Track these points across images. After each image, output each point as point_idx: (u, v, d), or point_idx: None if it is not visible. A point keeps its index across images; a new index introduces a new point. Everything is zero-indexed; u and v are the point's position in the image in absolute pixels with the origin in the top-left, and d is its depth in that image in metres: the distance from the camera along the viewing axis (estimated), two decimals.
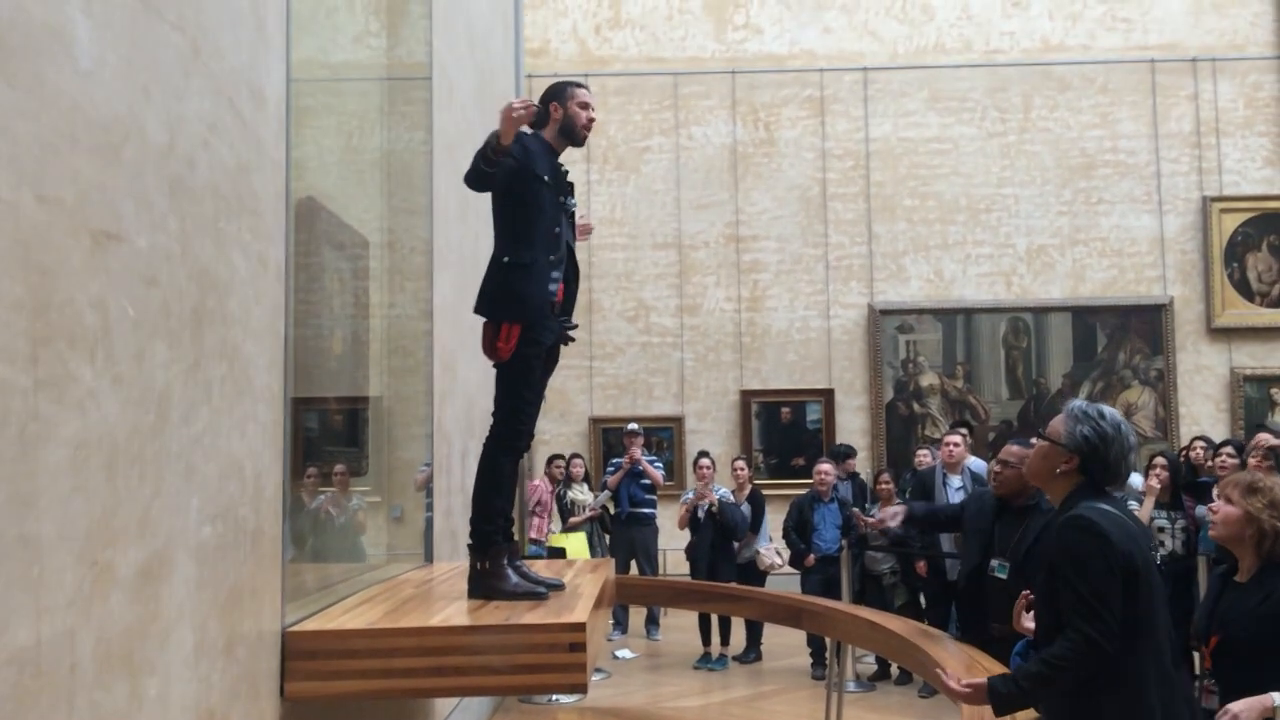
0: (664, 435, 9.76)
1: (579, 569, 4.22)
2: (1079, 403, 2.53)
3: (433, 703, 4.24)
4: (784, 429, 9.79)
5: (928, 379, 9.80)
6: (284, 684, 2.68)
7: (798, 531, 7.00)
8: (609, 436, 9.55)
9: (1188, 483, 5.84)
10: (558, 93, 3.49)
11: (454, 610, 3.15)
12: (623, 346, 9.94)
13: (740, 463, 7.69)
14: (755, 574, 7.13)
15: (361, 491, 4.18)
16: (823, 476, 7.02)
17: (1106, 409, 2.52)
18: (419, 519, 4.50)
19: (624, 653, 7.50)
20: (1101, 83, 9.76)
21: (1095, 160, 9.74)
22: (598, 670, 7.05)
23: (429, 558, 4.43)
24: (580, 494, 7.95)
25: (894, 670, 6.67)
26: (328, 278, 4.07)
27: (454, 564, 4.34)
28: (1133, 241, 9.65)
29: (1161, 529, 5.78)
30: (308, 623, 2.85)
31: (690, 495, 7.52)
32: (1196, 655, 2.68)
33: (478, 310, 3.35)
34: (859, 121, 9.97)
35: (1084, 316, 9.66)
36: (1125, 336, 9.57)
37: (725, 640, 7.30)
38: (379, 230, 4.54)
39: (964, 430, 7.40)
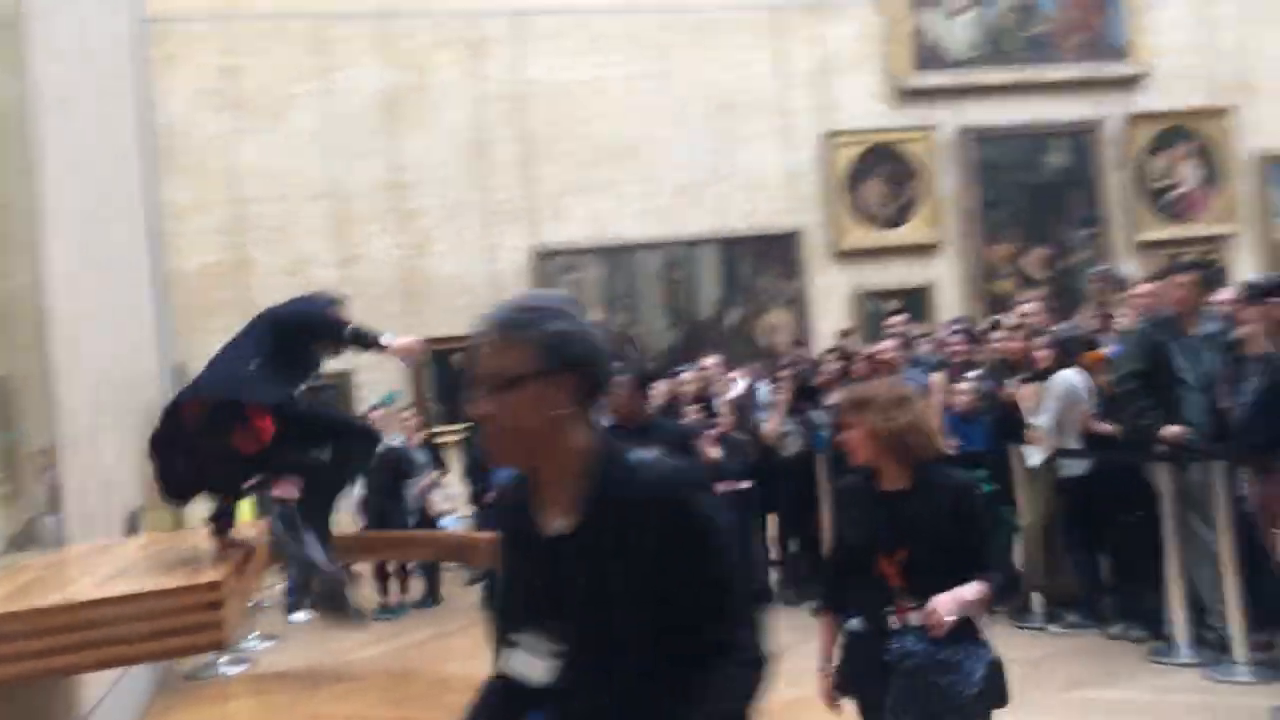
0: (332, 392, 9.59)
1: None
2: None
3: (80, 689, 4.05)
4: (457, 375, 9.90)
5: (593, 315, 10.20)
6: None
7: (474, 472, 7.18)
8: None
9: (801, 388, 6.56)
10: None
11: (80, 587, 3.07)
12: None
13: (408, 412, 7.77)
14: (432, 521, 7.27)
15: None
16: None
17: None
18: (42, 501, 4.25)
19: (298, 616, 7.42)
20: (733, 26, 10.43)
21: (731, 100, 10.43)
22: (270, 637, 6.95)
23: (61, 541, 4.20)
24: None
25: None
26: None
27: (90, 544, 4.16)
28: (767, 175, 10.46)
29: (789, 432, 6.47)
30: None
31: None
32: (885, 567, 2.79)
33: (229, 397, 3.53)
34: (513, 64, 10.10)
35: (730, 247, 10.41)
36: (766, 264, 10.42)
37: (403, 588, 7.39)
38: None
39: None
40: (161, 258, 7.03)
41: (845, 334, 8.91)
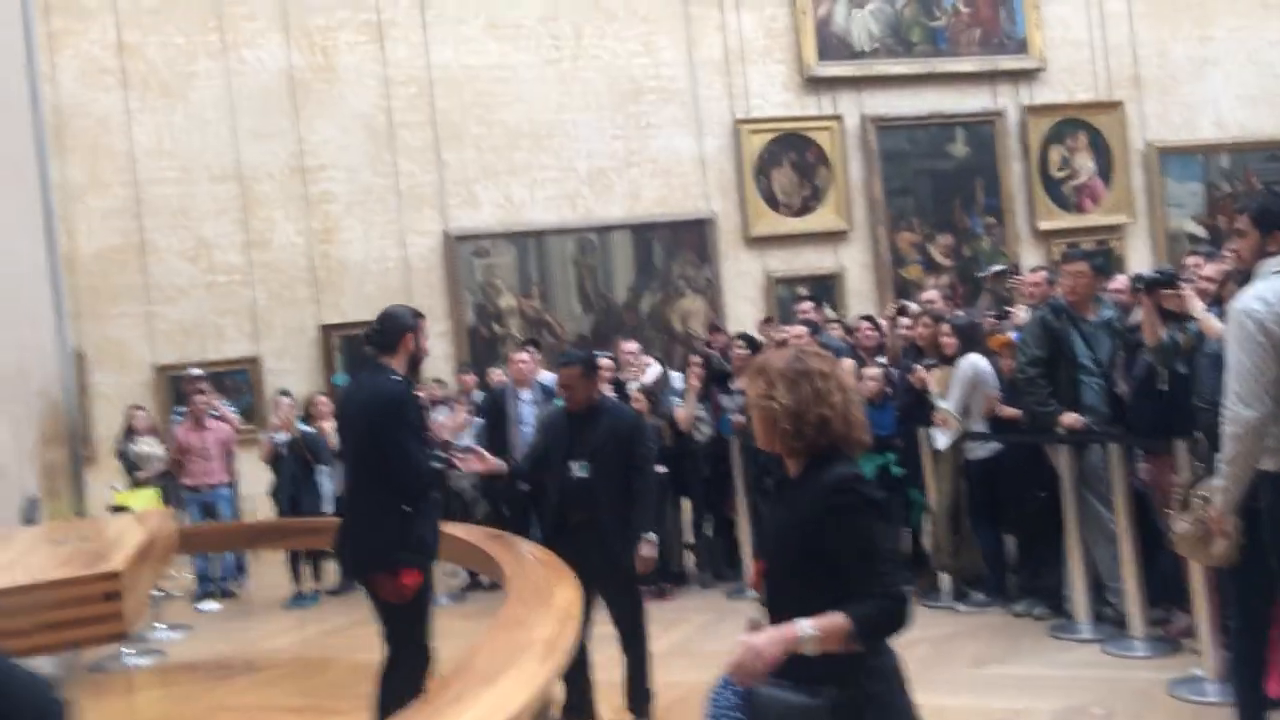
0: (240, 378, 9.36)
1: (130, 521, 4.05)
2: None
3: None
4: (363, 362, 9.72)
5: (506, 300, 10.15)
6: None
7: None
8: (178, 384, 8.98)
9: (714, 374, 6.63)
10: (409, 324, 3.88)
11: None
12: (185, 288, 9.36)
13: (323, 398, 7.64)
14: None
15: None
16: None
17: None
18: None
19: (208, 605, 7.25)
20: (643, 13, 10.43)
21: (642, 86, 10.44)
22: (180, 627, 6.78)
23: None
24: (147, 446, 7.49)
25: (484, 579, 7.01)
26: None
27: None
28: (679, 162, 10.51)
29: (701, 418, 6.53)
30: None
31: (272, 434, 7.37)
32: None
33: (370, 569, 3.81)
34: (420, 48, 9.94)
35: (642, 233, 10.43)
36: (678, 250, 10.47)
37: (316, 575, 7.28)
38: None
39: (531, 347, 7.79)
40: (57, 240, 6.76)
41: (766, 322, 9.00)
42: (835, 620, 2.08)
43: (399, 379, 3.83)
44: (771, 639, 2.10)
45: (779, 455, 2.36)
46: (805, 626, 2.09)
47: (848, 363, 6.59)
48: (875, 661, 2.20)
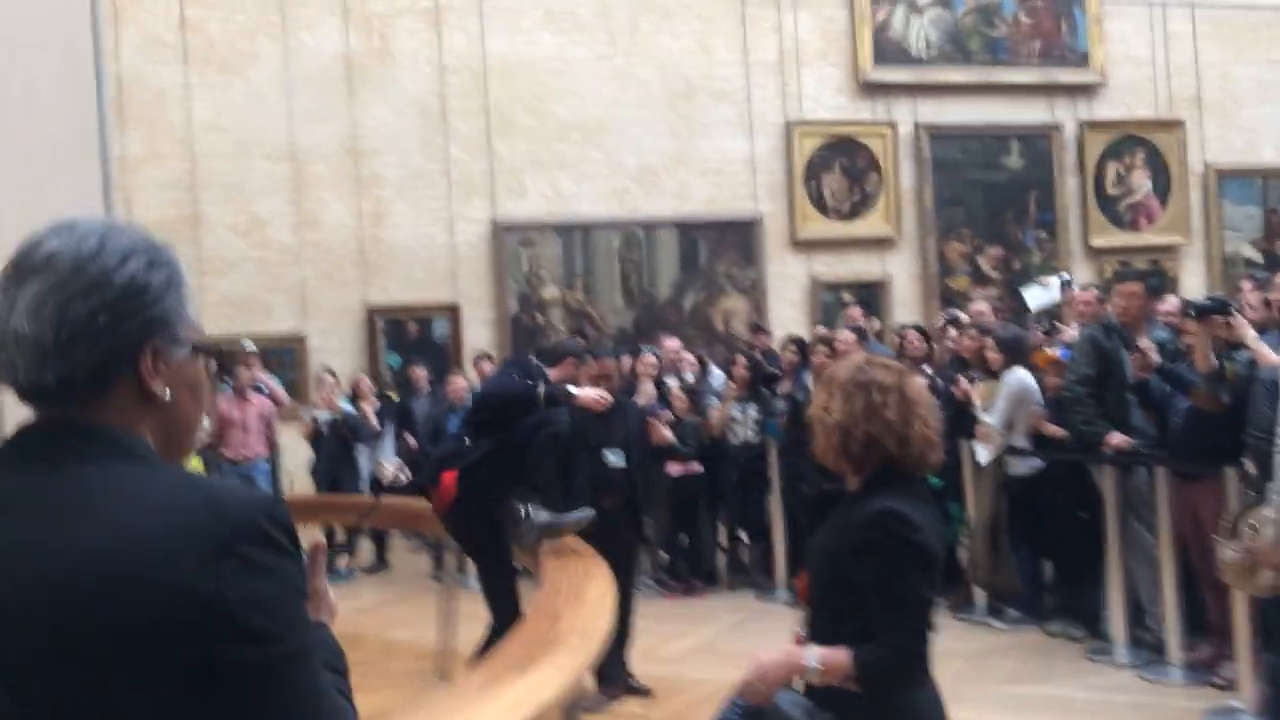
0: (286, 355, 9.46)
1: None
2: None
3: None
4: (412, 344, 9.80)
5: (549, 292, 10.18)
6: None
7: (432, 440, 7.17)
8: (225, 356, 9.10)
9: (762, 375, 6.61)
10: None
11: None
12: (236, 262, 9.46)
13: (365, 378, 7.74)
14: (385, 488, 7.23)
15: None
16: (457, 388, 7.33)
17: None
18: None
19: None
20: (699, 11, 10.40)
21: (695, 85, 10.42)
22: None
23: None
24: None
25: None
26: None
27: None
28: (729, 162, 10.47)
29: (736, 419, 6.52)
30: None
31: (314, 411, 7.47)
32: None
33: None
34: (476, 37, 9.98)
35: (688, 231, 10.41)
36: (723, 249, 10.44)
37: (350, 552, 7.35)
38: None
39: (583, 339, 7.81)
40: (115, 211, 6.85)
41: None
42: (839, 657, 2.05)
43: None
44: (778, 662, 2.10)
45: (837, 469, 2.24)
46: (811, 656, 2.07)
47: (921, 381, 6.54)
48: (905, 699, 2.12)
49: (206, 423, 7.26)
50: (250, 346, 8.03)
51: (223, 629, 0.93)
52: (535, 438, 4.21)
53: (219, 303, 9.39)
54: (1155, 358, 5.01)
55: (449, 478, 4.23)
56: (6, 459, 1.02)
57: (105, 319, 1.01)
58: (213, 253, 9.41)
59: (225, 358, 8.42)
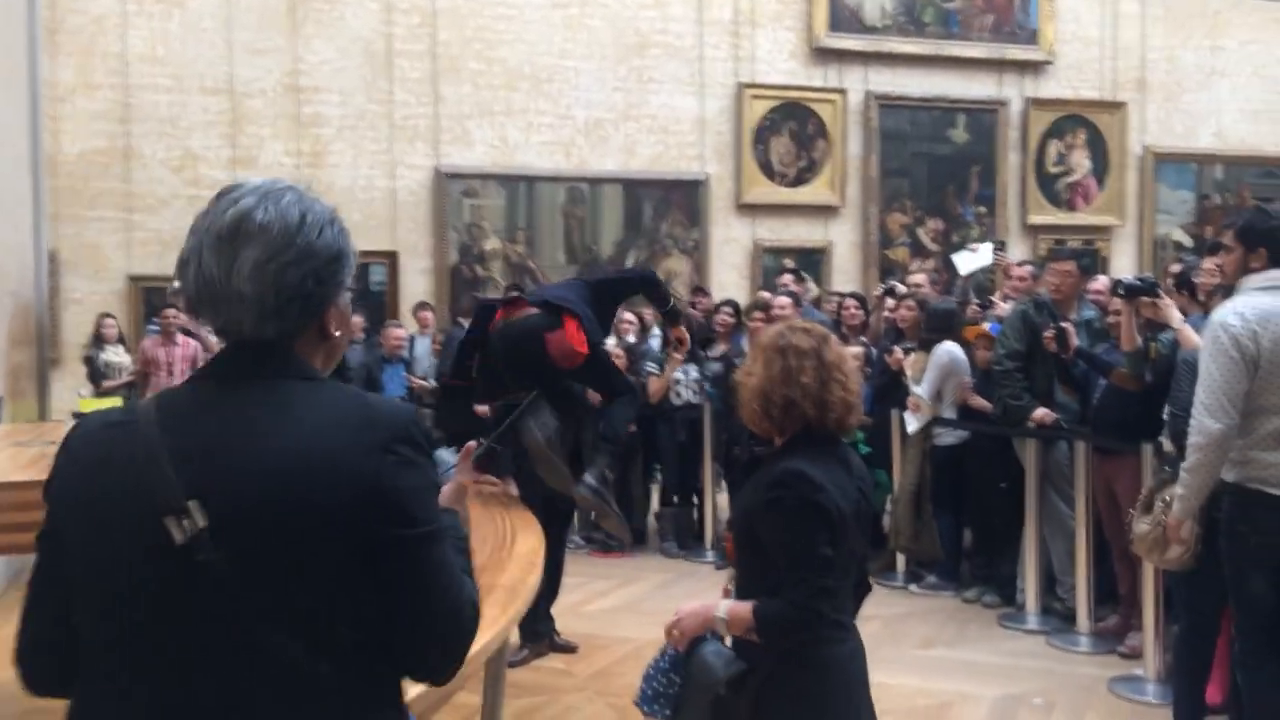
0: None
1: None
2: None
3: None
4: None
5: (490, 243, 10.07)
6: None
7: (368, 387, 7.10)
8: (151, 296, 8.88)
9: (701, 338, 6.62)
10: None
11: None
12: (166, 199, 9.21)
13: None
14: None
15: None
16: (396, 338, 7.29)
17: None
18: None
19: None
20: None
21: (648, 40, 10.31)
22: None
23: None
24: (115, 355, 7.42)
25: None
26: None
27: None
28: (677, 120, 10.41)
29: (678, 381, 6.52)
30: None
31: None
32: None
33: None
34: None
35: (633, 189, 10.35)
36: (668, 209, 10.40)
37: None
38: None
39: (515, 292, 7.72)
40: (41, 139, 6.62)
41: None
42: (743, 610, 2.16)
43: None
44: (693, 612, 2.24)
45: (761, 432, 2.31)
46: (721, 608, 2.19)
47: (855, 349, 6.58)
48: (818, 654, 2.16)
49: (130, 362, 7.09)
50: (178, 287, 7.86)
51: (385, 510, 1.22)
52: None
53: (148, 240, 9.15)
54: (1074, 340, 5.11)
55: (573, 324, 3.77)
56: (225, 375, 1.30)
57: (312, 283, 1.30)
58: (143, 188, 9.15)
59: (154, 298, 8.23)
